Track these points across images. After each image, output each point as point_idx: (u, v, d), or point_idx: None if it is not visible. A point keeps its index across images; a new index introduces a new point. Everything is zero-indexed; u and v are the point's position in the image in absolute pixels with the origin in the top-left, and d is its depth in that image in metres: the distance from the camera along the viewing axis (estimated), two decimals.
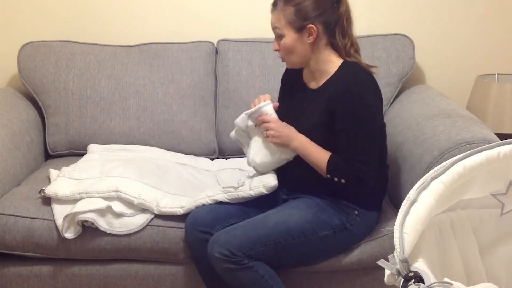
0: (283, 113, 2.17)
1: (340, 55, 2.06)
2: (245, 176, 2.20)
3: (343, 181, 1.99)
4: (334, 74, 2.05)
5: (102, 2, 2.86)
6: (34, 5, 2.85)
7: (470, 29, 2.90)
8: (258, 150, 2.14)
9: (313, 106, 2.06)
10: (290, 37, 2.01)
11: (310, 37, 2.00)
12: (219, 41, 2.77)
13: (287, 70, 2.25)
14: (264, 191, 2.08)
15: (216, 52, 2.78)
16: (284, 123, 2.10)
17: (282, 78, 2.29)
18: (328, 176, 2.01)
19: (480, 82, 2.75)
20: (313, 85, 2.11)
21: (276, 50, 2.08)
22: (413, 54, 2.74)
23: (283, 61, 2.12)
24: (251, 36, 2.79)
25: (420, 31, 2.84)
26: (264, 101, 2.14)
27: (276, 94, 2.31)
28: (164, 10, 2.87)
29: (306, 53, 2.04)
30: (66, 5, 2.85)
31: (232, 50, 2.73)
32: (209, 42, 2.77)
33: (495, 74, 2.83)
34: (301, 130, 2.07)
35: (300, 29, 2.00)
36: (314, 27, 1.99)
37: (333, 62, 2.05)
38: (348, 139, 1.98)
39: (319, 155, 2.03)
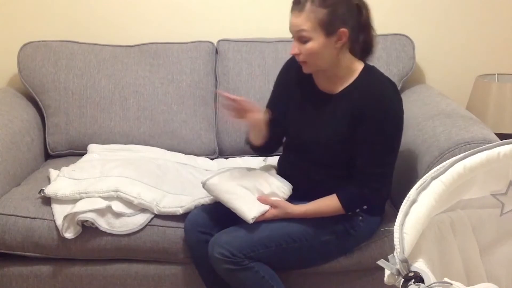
0: (298, 118, 2.10)
1: (359, 60, 2.01)
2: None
3: (365, 207, 2.00)
4: (355, 81, 1.98)
5: (102, 2, 2.86)
6: (34, 5, 2.85)
7: (470, 29, 2.90)
8: (250, 206, 2.00)
9: (333, 113, 2.00)
10: (318, 41, 1.89)
11: (339, 42, 1.91)
12: (219, 41, 2.77)
13: (289, 70, 2.15)
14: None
15: (216, 52, 2.78)
16: (270, 207, 2.00)
17: (282, 73, 2.19)
18: (350, 213, 2.00)
19: (480, 82, 2.75)
20: (330, 90, 2.03)
21: (296, 54, 1.94)
22: (413, 54, 2.74)
23: (304, 64, 1.99)
24: (251, 36, 2.79)
25: (420, 31, 2.84)
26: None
27: None
28: (164, 10, 2.87)
29: (331, 58, 1.93)
30: (66, 5, 2.85)
31: (232, 50, 2.73)
32: (209, 42, 2.77)
33: (495, 74, 2.83)
34: (319, 137, 2.02)
35: (330, 33, 1.88)
36: (346, 31, 1.89)
37: (354, 68, 1.99)
38: (372, 151, 1.94)
39: (325, 203, 1.99)
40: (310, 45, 1.90)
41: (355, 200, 1.99)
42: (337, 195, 1.98)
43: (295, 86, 2.13)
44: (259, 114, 2.05)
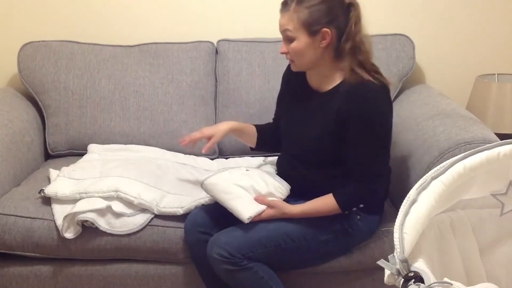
0: (288, 115, 2.14)
1: (348, 62, 1.97)
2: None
3: (361, 205, 2.00)
4: (343, 81, 1.98)
5: (102, 2, 2.86)
6: (34, 5, 2.85)
7: (470, 29, 2.90)
8: (247, 206, 1.99)
9: (321, 112, 2.01)
10: (302, 40, 1.92)
11: (323, 41, 1.92)
12: (219, 41, 2.77)
13: (289, 68, 2.16)
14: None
15: (216, 52, 2.78)
16: (267, 207, 1.99)
17: (284, 74, 2.24)
18: (346, 212, 2.00)
19: (480, 82, 2.75)
20: (320, 88, 2.05)
21: (284, 53, 2.00)
22: (413, 54, 2.73)
23: (292, 63, 2.03)
24: (251, 36, 2.79)
25: (420, 31, 2.84)
26: None
27: (276, 94, 2.30)
28: (164, 10, 2.87)
29: (317, 57, 1.96)
30: (66, 5, 2.85)
31: (232, 50, 2.73)
32: (209, 42, 2.77)
33: (495, 74, 2.83)
34: (308, 135, 2.04)
35: (313, 33, 1.91)
36: (329, 31, 1.91)
37: (341, 69, 1.99)
38: (362, 151, 1.95)
39: (321, 202, 1.99)
40: (294, 44, 1.95)
41: (351, 199, 2.00)
42: (333, 195, 1.98)
43: (290, 84, 2.18)
44: (221, 126, 2.22)
